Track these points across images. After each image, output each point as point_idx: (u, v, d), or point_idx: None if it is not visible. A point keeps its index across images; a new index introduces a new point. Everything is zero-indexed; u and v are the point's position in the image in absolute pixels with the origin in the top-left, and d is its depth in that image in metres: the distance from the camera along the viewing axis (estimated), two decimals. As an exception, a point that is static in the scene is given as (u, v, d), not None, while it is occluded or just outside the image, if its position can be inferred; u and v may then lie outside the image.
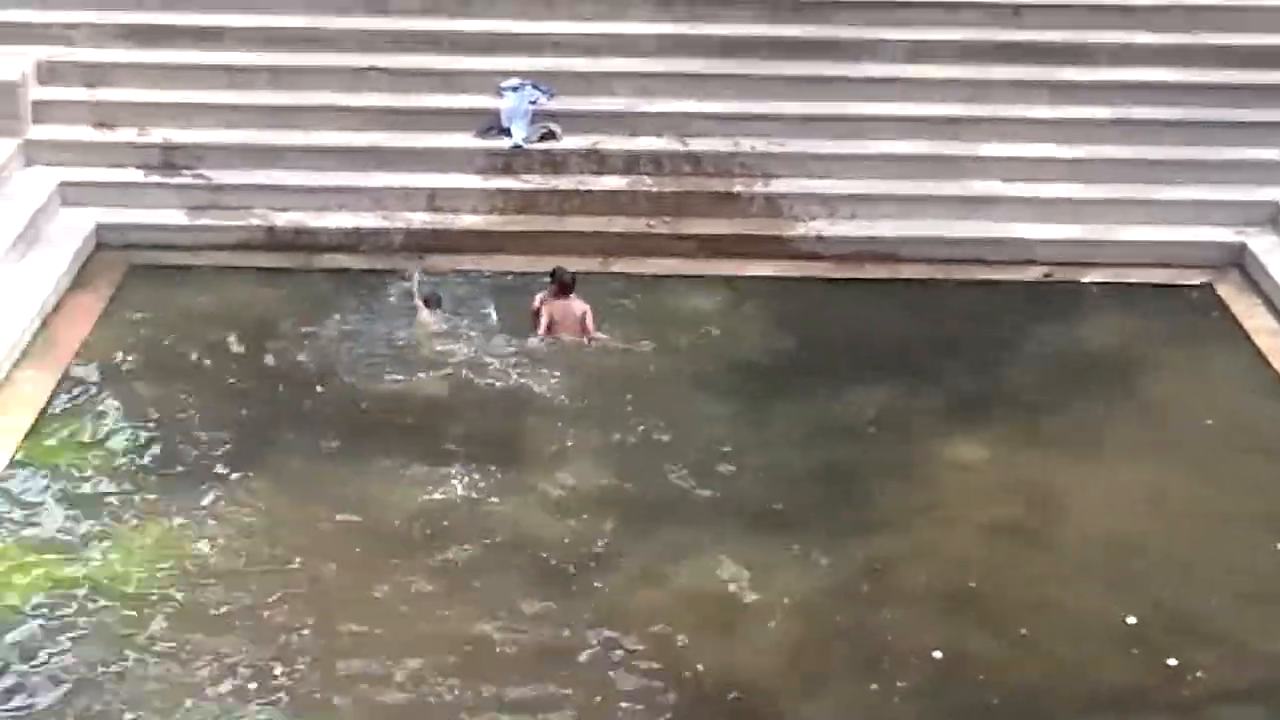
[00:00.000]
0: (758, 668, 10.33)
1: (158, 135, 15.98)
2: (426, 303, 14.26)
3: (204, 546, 11.20)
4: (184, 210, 15.56)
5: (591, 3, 17.16)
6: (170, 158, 15.87)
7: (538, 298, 14.06)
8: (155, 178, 15.74)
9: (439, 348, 13.75)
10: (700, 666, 10.28)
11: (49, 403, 12.72)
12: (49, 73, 16.35)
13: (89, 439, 12.36)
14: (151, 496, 11.70)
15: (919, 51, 16.92)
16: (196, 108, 16.18)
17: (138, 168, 15.83)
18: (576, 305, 13.95)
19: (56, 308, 14.07)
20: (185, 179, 15.74)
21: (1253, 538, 11.71)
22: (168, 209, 15.56)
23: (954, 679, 10.29)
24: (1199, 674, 10.36)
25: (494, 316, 14.28)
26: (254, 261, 15.16)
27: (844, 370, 13.64)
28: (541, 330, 13.85)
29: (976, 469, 12.43)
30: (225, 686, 10.00)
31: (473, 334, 14.00)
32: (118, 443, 12.33)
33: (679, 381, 13.49)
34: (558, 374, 13.41)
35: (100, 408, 12.76)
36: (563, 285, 13.96)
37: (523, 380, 13.34)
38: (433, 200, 15.78)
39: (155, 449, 12.27)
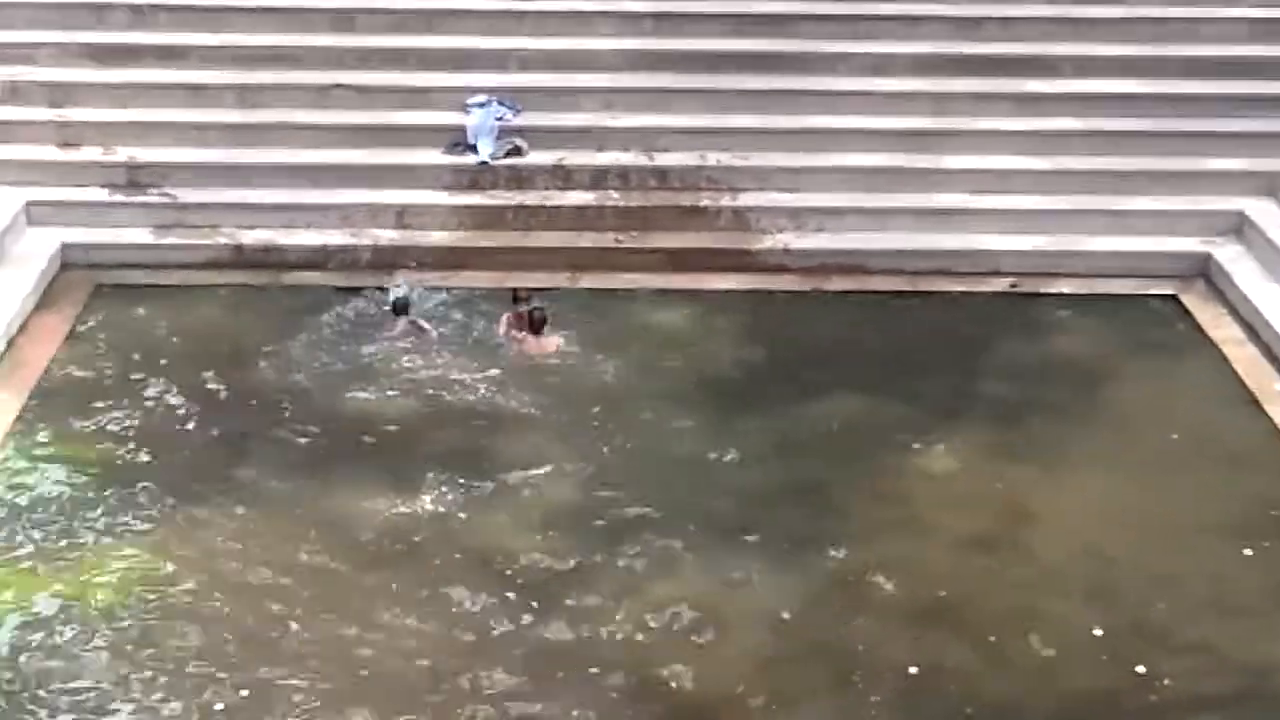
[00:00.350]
0: (731, 682, 10.32)
1: (123, 154, 15.93)
2: (395, 309, 14.24)
3: (172, 566, 11.15)
4: (150, 229, 15.51)
5: (557, 19, 17.17)
6: (136, 177, 15.82)
7: (504, 320, 14.07)
8: (121, 197, 15.69)
9: (406, 362, 13.72)
10: (673, 683, 10.28)
11: (15, 423, 12.65)
12: (12, 92, 16.32)
13: (56, 459, 12.29)
14: (119, 517, 11.65)
15: (883, 64, 17.00)
16: (162, 126, 16.16)
17: (103, 187, 15.78)
18: (549, 342, 13.98)
19: (22, 328, 14.01)
20: (151, 198, 15.69)
21: (1220, 546, 11.76)
22: (134, 228, 15.51)
23: (927, 691, 10.30)
24: (1168, 682, 10.40)
25: (465, 332, 14.28)
26: (221, 280, 15.12)
27: (813, 383, 13.65)
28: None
29: (946, 480, 12.45)
30: (195, 706, 9.96)
31: (441, 350, 13.99)
32: (85, 462, 12.26)
33: (648, 396, 13.48)
34: (526, 389, 13.41)
35: (67, 428, 12.69)
36: (536, 324, 13.96)
37: (491, 396, 13.33)
38: (400, 217, 15.77)
39: (122, 469, 12.21)
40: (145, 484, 12.04)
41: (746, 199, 16.05)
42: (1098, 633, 10.80)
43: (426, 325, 14.21)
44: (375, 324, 14.33)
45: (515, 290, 14.24)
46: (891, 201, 16.01)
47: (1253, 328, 14.52)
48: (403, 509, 11.85)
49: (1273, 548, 11.70)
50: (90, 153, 15.99)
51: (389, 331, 14.12)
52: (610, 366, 13.86)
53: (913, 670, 10.43)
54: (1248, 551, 11.66)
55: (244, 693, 10.08)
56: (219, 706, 9.98)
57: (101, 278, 14.95)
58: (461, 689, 10.18)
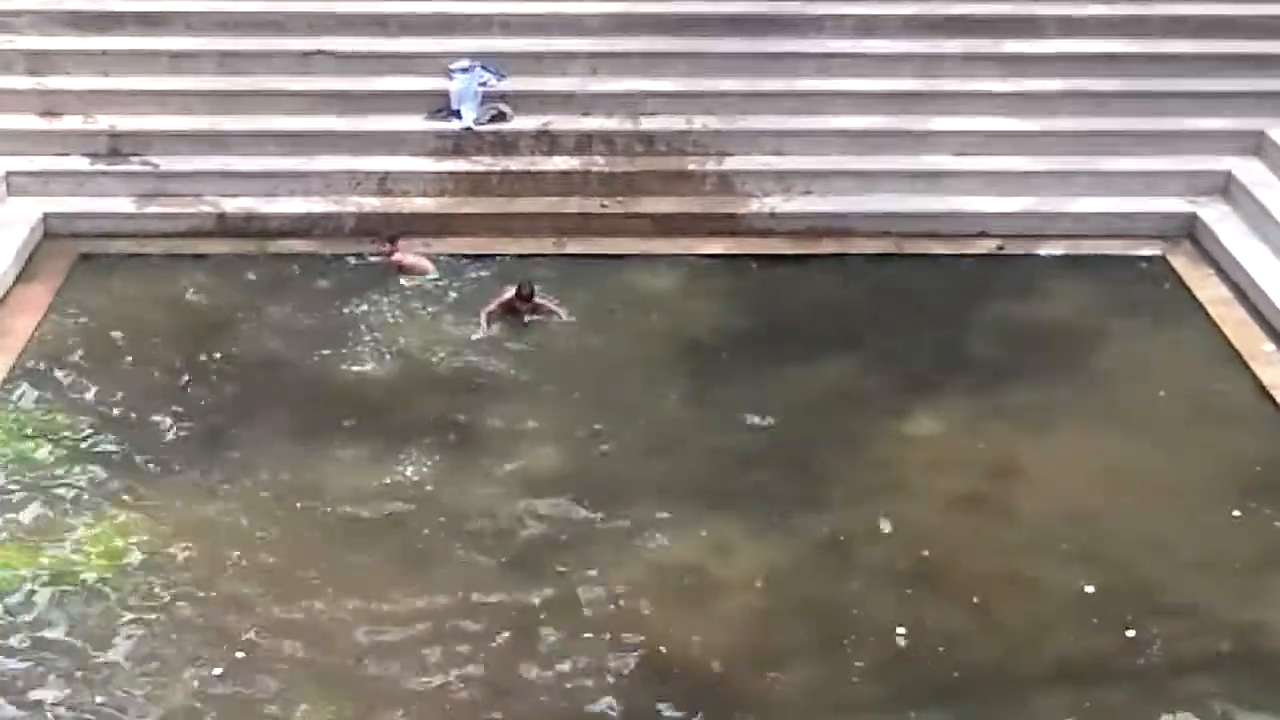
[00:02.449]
0: (720, 646, 10.33)
1: (104, 122, 15.83)
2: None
3: (157, 536, 11.12)
4: (132, 198, 15.42)
5: (539, -18, 17.09)
6: (117, 145, 15.72)
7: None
8: (102, 165, 15.60)
9: (391, 329, 13.67)
10: (662, 648, 10.27)
11: (-1, 394, 12.63)
12: (-8, 61, 16.21)
13: (40, 431, 12.22)
14: (104, 487, 11.61)
15: (869, 26, 16.91)
16: (143, 94, 16.04)
17: (84, 156, 15.68)
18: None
19: (4, 299, 13.92)
20: (133, 166, 15.60)
21: (1208, 506, 11.76)
22: (116, 197, 15.41)
23: (915, 653, 10.30)
24: (1157, 644, 10.40)
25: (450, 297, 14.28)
26: (204, 249, 15.03)
27: (800, 346, 13.62)
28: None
29: (933, 442, 12.43)
30: (186, 674, 9.97)
31: (427, 318, 13.96)
32: (69, 434, 12.22)
33: (634, 361, 13.45)
34: (511, 356, 13.38)
35: (51, 399, 12.64)
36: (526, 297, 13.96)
37: (477, 363, 13.29)
38: (384, 183, 15.69)
39: (107, 439, 12.16)
40: (129, 454, 12.00)
41: (733, 163, 15.98)
42: (1087, 592, 10.82)
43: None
44: (359, 292, 14.28)
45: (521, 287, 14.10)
46: (878, 164, 15.94)
47: (1239, 287, 14.50)
48: (388, 477, 11.83)
49: (1259, 508, 11.70)
50: (71, 121, 15.89)
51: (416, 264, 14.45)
52: (595, 333, 13.83)
53: (900, 632, 10.43)
54: (1236, 513, 11.66)
55: (239, 654, 10.11)
56: (217, 671, 9.99)
57: (84, 247, 14.87)
58: (452, 658, 10.17)
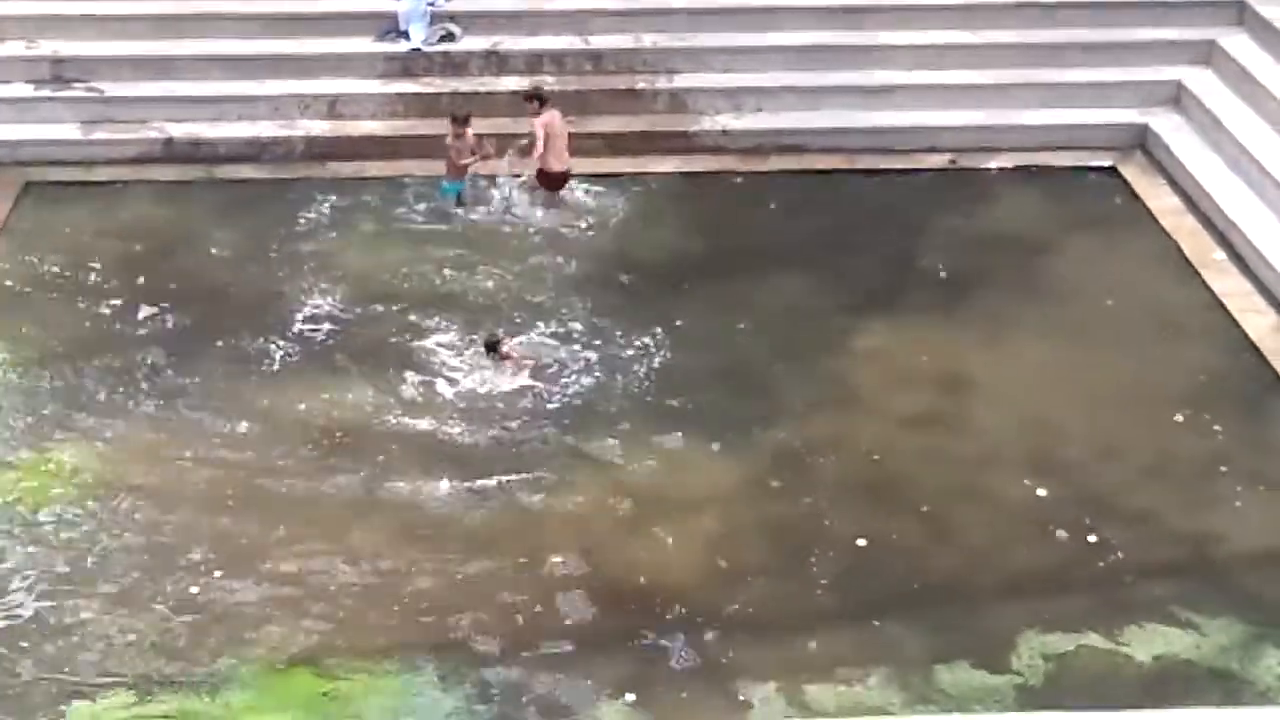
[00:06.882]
0: (679, 565, 10.35)
1: (47, 48, 15.66)
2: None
3: (107, 464, 11.07)
4: (77, 124, 15.28)
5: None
6: (60, 71, 15.55)
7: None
8: (46, 92, 15.43)
9: (342, 254, 13.60)
10: (621, 566, 10.29)
11: (-52, 325, 12.52)
12: (-70, -11, 15.96)
13: (-9, 360, 12.18)
14: (57, 415, 11.56)
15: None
16: (85, 19, 15.88)
17: (28, 82, 15.52)
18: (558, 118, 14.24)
19: (-50, 228, 13.82)
20: (77, 92, 15.43)
21: (1157, 413, 11.83)
22: (61, 123, 15.27)
23: (874, 567, 10.36)
24: (1117, 551, 10.47)
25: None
26: (153, 175, 14.92)
27: (752, 263, 13.61)
28: (538, 151, 14.04)
29: (887, 357, 12.46)
30: (144, 599, 9.97)
31: (377, 241, 13.88)
32: (20, 362, 12.14)
33: (585, 280, 13.41)
34: (464, 278, 13.33)
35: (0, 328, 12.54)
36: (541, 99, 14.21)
37: (425, 286, 13.24)
38: (333, 107, 15.57)
39: (59, 367, 12.10)
40: (81, 382, 11.93)
41: (683, 80, 15.91)
42: (1040, 494, 10.91)
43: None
44: (309, 216, 14.20)
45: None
46: (829, 80, 15.90)
47: (1191, 198, 14.55)
48: (341, 401, 11.79)
49: (1209, 415, 11.77)
50: (13, 48, 15.70)
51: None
52: (547, 251, 13.77)
53: (861, 544, 10.48)
54: (1179, 418, 11.74)
55: (217, 573, 10.15)
56: (194, 590, 10.01)
57: (30, 175, 14.74)
58: (405, 575, 10.19)
